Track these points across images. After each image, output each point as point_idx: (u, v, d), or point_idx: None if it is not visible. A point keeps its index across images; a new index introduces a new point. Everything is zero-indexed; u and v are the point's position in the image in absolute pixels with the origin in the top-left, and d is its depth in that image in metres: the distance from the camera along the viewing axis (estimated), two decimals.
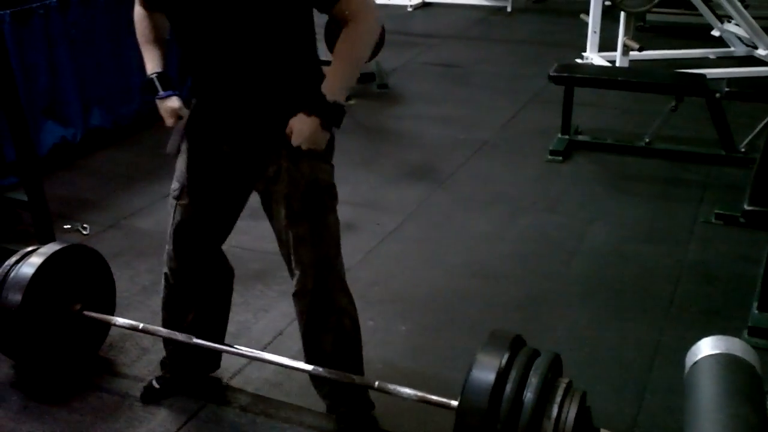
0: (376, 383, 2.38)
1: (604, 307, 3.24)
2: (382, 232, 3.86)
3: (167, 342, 2.69)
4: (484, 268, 3.56)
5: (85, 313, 2.77)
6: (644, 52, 5.99)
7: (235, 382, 2.81)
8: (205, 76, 2.26)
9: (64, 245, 2.80)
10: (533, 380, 2.03)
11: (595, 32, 6.45)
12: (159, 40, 2.37)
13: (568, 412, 2.02)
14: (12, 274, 2.67)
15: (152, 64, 2.36)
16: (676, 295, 3.30)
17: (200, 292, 2.57)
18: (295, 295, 2.37)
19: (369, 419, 2.54)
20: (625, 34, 5.98)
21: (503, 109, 5.63)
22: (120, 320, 2.81)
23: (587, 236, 3.82)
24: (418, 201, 4.24)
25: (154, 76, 2.35)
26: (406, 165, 4.72)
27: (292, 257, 2.31)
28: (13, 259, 2.75)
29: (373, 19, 2.14)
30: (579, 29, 6.94)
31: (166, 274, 2.55)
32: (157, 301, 2.69)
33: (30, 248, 2.80)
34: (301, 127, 2.12)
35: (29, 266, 2.66)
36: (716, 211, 3.90)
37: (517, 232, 3.90)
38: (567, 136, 4.85)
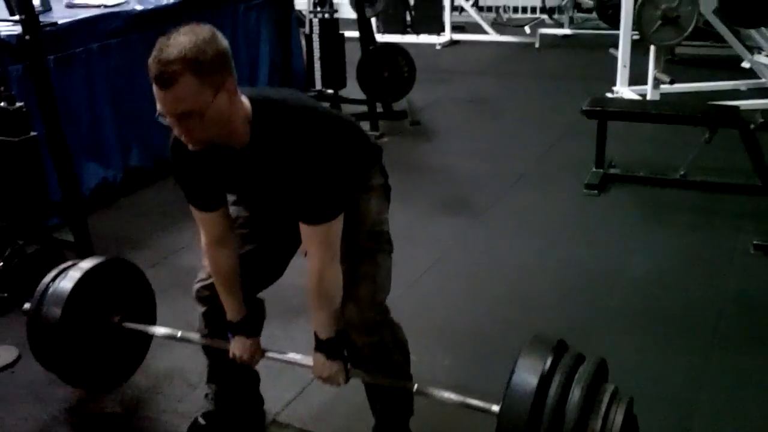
0: (416, 386, 2.36)
1: (647, 337, 3.23)
2: (422, 266, 3.89)
3: (209, 352, 2.70)
4: (525, 300, 3.57)
5: (125, 324, 2.81)
6: (675, 85, 6.01)
7: (282, 418, 2.82)
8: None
9: (103, 259, 2.85)
10: (578, 385, 1.97)
11: (624, 66, 6.48)
12: (237, 287, 2.43)
13: (614, 419, 1.97)
14: (51, 290, 2.71)
15: (233, 313, 2.45)
16: (720, 325, 3.28)
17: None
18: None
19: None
20: (656, 67, 6.00)
21: (537, 143, 5.67)
22: (159, 330, 2.84)
23: (627, 267, 3.83)
24: (456, 234, 4.27)
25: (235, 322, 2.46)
26: (442, 199, 4.77)
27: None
28: (53, 273, 2.78)
29: (328, 260, 2.20)
30: (608, 63, 6.98)
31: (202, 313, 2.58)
32: None
33: (69, 263, 2.84)
34: (315, 368, 2.37)
35: (69, 280, 2.70)
36: (754, 242, 3.89)
37: (557, 263, 3.91)
38: (601, 170, 4.87)
